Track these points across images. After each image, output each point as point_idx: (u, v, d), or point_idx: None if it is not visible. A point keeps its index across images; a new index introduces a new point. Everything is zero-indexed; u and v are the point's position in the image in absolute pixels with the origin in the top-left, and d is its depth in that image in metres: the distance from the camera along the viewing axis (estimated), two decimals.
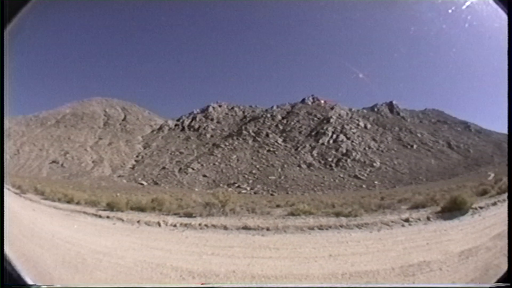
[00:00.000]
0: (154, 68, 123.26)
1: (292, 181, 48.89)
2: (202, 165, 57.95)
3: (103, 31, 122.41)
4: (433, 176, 46.71)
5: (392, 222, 9.33)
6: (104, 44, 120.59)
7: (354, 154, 56.10)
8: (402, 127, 67.27)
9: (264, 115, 76.63)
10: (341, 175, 50.25)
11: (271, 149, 61.44)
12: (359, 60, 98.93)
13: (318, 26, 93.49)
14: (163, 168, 58.64)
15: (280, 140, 64.98)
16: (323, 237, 8.10)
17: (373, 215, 10.54)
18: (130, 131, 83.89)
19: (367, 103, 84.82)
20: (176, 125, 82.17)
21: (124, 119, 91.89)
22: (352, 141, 60.60)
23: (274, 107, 79.19)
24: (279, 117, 75.01)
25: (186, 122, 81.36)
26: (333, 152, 57.74)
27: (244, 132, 69.89)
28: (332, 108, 72.85)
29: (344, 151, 57.54)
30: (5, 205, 4.02)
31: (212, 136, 73.23)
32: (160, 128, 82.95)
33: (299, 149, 60.34)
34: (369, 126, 67.97)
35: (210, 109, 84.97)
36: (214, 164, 57.90)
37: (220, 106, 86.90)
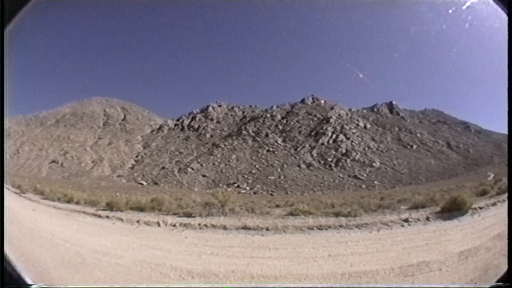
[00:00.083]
0: (154, 68, 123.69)
1: (292, 181, 48.93)
2: (201, 165, 57.98)
3: (103, 31, 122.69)
4: (433, 176, 46.77)
5: (391, 222, 9.33)
6: (104, 44, 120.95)
7: (353, 154, 56.15)
8: (402, 127, 67.34)
9: (263, 115, 76.71)
10: (341, 175, 50.30)
11: (271, 149, 61.47)
12: (359, 60, 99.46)
13: (318, 26, 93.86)
14: (163, 168, 58.68)
15: (279, 140, 65.03)
16: (322, 237, 8.10)
17: (373, 215, 10.54)
18: (130, 131, 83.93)
19: (367, 103, 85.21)
20: (175, 125, 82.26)
21: (124, 119, 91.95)
22: (352, 141, 60.65)
23: (274, 107, 79.31)
24: (279, 117, 75.09)
25: (186, 122, 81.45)
26: (333, 152, 57.79)
27: (244, 132, 69.94)
28: (332, 108, 72.95)
29: (344, 151, 57.59)
30: (5, 205, 4.02)
31: (211, 136, 73.29)
32: (160, 128, 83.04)
33: (298, 149, 60.39)
34: (368, 126, 68.05)
35: (210, 109, 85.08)
36: (213, 164, 57.93)
37: (220, 106, 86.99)
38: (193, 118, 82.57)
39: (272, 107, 79.69)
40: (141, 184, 51.14)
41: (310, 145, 60.95)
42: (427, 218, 9.59)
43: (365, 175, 49.91)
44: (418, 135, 63.49)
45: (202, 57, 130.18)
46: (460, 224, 8.89)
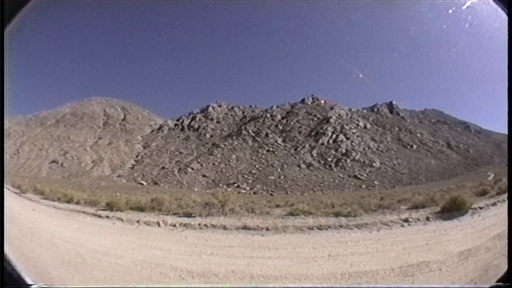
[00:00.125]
0: (154, 68, 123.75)
1: (292, 181, 48.93)
2: (201, 165, 57.98)
3: (103, 31, 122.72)
4: (433, 176, 46.78)
5: (391, 222, 9.33)
6: (104, 44, 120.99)
7: (353, 154, 56.15)
8: (402, 127, 67.35)
9: (263, 115, 76.72)
10: (341, 175, 50.31)
11: (271, 149, 61.47)
12: (359, 60, 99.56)
13: (318, 26, 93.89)
14: (163, 168, 58.69)
15: (279, 140, 65.04)
16: (322, 237, 8.10)
17: (373, 215, 10.54)
18: (130, 131, 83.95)
19: (367, 103, 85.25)
20: (175, 125, 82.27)
21: (123, 119, 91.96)
22: (352, 141, 60.66)
23: (274, 107, 79.32)
24: (279, 117, 75.11)
25: (186, 122, 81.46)
26: (333, 152, 57.80)
27: (244, 132, 69.95)
28: (332, 108, 72.96)
29: (344, 151, 57.60)
30: (5, 205, 4.01)
31: (211, 136, 73.30)
32: (160, 128, 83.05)
33: (298, 149, 60.40)
34: (368, 126, 68.05)
35: (210, 109, 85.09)
36: (213, 164, 57.93)
37: (220, 106, 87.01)
38: (193, 118, 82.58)
39: (272, 107, 79.72)
40: (141, 184, 51.15)
41: (310, 145, 60.95)
42: (427, 218, 9.59)
43: (365, 175, 49.91)
44: (418, 135, 63.50)
45: (202, 57, 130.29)
46: (460, 224, 8.89)
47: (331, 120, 68.06)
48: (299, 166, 54.32)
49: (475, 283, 4.93)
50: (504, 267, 3.57)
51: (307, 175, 50.89)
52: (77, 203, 14.93)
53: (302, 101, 79.92)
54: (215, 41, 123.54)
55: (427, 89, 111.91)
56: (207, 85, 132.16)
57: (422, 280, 5.12)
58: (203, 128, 77.19)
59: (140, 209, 12.33)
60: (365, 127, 67.40)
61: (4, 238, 3.61)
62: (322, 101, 76.74)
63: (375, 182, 46.76)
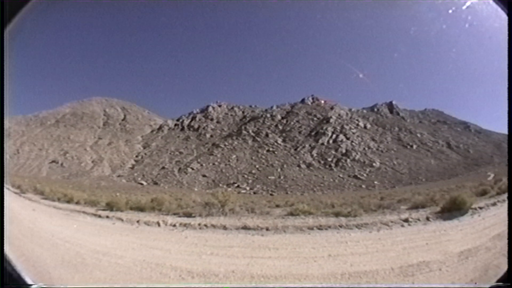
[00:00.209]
0: (154, 68, 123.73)
1: (292, 181, 48.93)
2: (201, 165, 57.99)
3: (103, 31, 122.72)
4: (433, 176, 46.78)
5: (391, 222, 9.33)
6: (104, 44, 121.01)
7: (353, 154, 56.15)
8: (402, 127, 67.35)
9: (263, 115, 76.72)
10: (341, 175, 50.31)
11: (271, 149, 61.48)
12: (359, 60, 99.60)
13: (318, 26, 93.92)
14: (163, 168, 58.68)
15: (279, 140, 65.04)
16: (322, 237, 8.10)
17: (373, 215, 10.54)
18: (130, 131, 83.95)
19: (367, 103, 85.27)
20: (175, 125, 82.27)
21: (123, 119, 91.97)
22: (352, 141, 60.66)
23: (274, 107, 79.33)
24: (279, 117, 75.11)
25: (186, 122, 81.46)
26: (333, 152, 57.80)
27: (244, 132, 69.95)
28: (332, 108, 72.96)
29: (344, 151, 57.60)
30: (5, 205, 4.02)
31: (211, 136, 73.30)
32: (160, 128, 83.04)
33: (298, 149, 60.40)
34: (368, 126, 68.06)
35: (210, 109, 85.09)
36: (213, 164, 57.93)
37: (220, 106, 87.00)
38: (193, 118, 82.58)
39: (272, 107, 79.73)
40: (141, 184, 51.15)
41: (310, 145, 60.95)
42: (427, 218, 9.59)
43: (365, 175, 49.91)
44: (418, 135, 63.50)
45: (202, 57, 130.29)
46: (460, 224, 8.89)
47: (331, 120, 68.06)
48: (299, 166, 54.33)
49: (475, 283, 4.93)
50: (504, 267, 3.57)
51: (307, 175, 50.89)
52: (77, 203, 14.93)
53: (302, 101, 79.93)
54: (215, 41, 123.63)
55: (427, 89, 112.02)
56: (207, 85, 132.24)
57: (422, 280, 5.12)
58: (203, 128, 77.19)
59: (140, 209, 12.33)
60: (365, 127, 67.41)
61: (4, 238, 3.61)
62: (322, 101, 76.76)
63: (375, 182, 46.76)
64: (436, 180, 44.24)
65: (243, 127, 72.41)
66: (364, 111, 76.60)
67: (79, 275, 5.44)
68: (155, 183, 51.80)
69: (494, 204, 10.92)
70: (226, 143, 66.24)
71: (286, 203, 15.58)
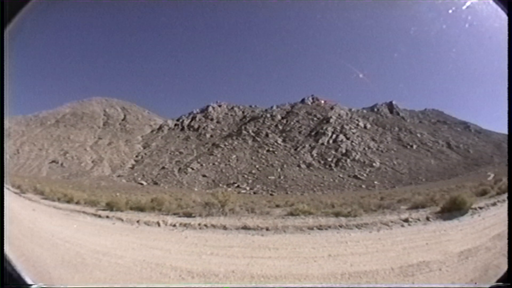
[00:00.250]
0: (154, 68, 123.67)
1: (292, 181, 48.93)
2: (201, 165, 57.98)
3: (103, 31, 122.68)
4: (433, 176, 46.78)
5: (391, 222, 9.33)
6: (104, 44, 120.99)
7: (353, 154, 56.14)
8: (402, 127, 67.35)
9: (263, 115, 76.72)
10: (341, 175, 50.30)
11: (271, 149, 61.47)
12: (359, 60, 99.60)
13: (318, 26, 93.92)
14: (163, 168, 58.68)
15: (279, 140, 65.04)
16: (322, 237, 8.10)
17: (373, 215, 10.54)
18: (130, 131, 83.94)
19: (367, 103, 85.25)
20: (175, 125, 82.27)
21: (124, 119, 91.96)
22: (352, 141, 60.66)
23: (274, 107, 79.32)
24: (279, 117, 75.10)
25: (186, 122, 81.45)
26: (333, 152, 57.80)
27: (244, 132, 69.95)
28: (332, 108, 72.95)
29: (344, 151, 57.59)
30: (5, 205, 4.01)
31: (211, 136, 73.29)
32: (160, 128, 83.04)
33: (298, 149, 60.39)
34: (368, 126, 68.05)
35: (210, 109, 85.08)
36: (213, 164, 57.93)
37: (220, 106, 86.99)
38: (193, 118, 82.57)
39: (272, 107, 79.72)
40: (141, 184, 51.15)
41: (310, 145, 60.95)
42: (427, 218, 9.59)
43: (365, 175, 49.91)
44: (418, 135, 63.50)
45: (202, 57, 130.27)
46: (460, 224, 8.89)
47: (331, 120, 68.06)
48: (299, 166, 54.33)
49: (475, 283, 4.93)
50: (504, 267, 3.57)
51: (307, 175, 50.89)
52: (77, 203, 14.93)
53: (302, 101, 79.92)
54: (215, 41, 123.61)
55: (427, 89, 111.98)
56: (207, 85, 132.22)
57: (422, 280, 5.12)
58: (203, 128, 77.19)
59: (140, 209, 12.33)
60: (365, 127, 67.41)
61: (4, 238, 3.61)
62: (322, 101, 76.75)
63: (375, 182, 46.76)
64: (436, 180, 44.23)
65: (243, 127, 72.41)
66: (364, 111, 76.59)
67: (79, 275, 5.44)
68: (155, 183, 51.80)
69: (494, 204, 10.92)
70: (226, 143, 66.24)
71: (286, 203, 15.57)
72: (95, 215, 11.82)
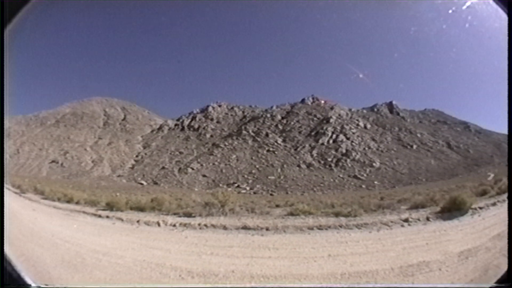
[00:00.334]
0: (154, 68, 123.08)
1: (292, 181, 48.90)
2: (201, 165, 57.96)
3: (103, 31, 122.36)
4: (433, 176, 46.74)
5: (391, 222, 9.33)
6: (104, 44, 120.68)
7: (353, 154, 56.12)
8: (402, 127, 67.31)
9: (263, 115, 76.67)
10: (341, 175, 50.27)
11: (271, 149, 61.45)
12: (359, 60, 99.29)
13: (318, 26, 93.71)
14: (163, 168, 58.65)
15: (279, 140, 65.01)
16: (322, 237, 8.10)
17: (373, 215, 10.54)
18: (130, 131, 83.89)
19: (367, 103, 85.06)
20: (176, 125, 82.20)
21: (124, 119, 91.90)
22: (352, 141, 60.62)
23: (274, 107, 79.25)
24: (279, 117, 75.05)
25: (186, 122, 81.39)
26: (333, 152, 57.76)
27: (244, 132, 69.91)
28: (332, 108, 72.91)
29: (344, 151, 57.56)
30: (5, 205, 4.02)
31: (211, 136, 73.25)
32: (160, 128, 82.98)
33: (298, 149, 60.36)
34: (369, 126, 68.02)
35: (210, 109, 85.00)
36: (213, 164, 57.90)
37: (220, 106, 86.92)
38: (193, 118, 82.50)
39: (272, 107, 79.62)
40: (141, 184, 51.11)
41: (310, 145, 60.91)
42: (427, 218, 9.60)
43: (365, 175, 49.87)
44: (418, 135, 63.46)
45: (202, 57, 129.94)
46: (460, 224, 8.90)
47: (331, 120, 68.00)
48: (299, 166, 54.30)
49: (475, 283, 4.93)
50: (504, 267, 3.57)
51: (307, 175, 50.87)
52: (77, 203, 14.94)
53: (302, 101, 79.85)
54: (215, 41, 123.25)
55: (427, 89, 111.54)
56: (207, 85, 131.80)
57: (422, 280, 5.12)
58: (203, 128, 77.12)
59: (140, 209, 12.34)
60: (365, 127, 67.37)
61: (4, 238, 3.61)
62: (322, 101, 76.67)
63: (375, 182, 46.73)
64: (436, 180, 44.20)
65: (243, 127, 72.35)
66: (364, 111, 76.52)
67: (79, 275, 5.44)
68: (155, 183, 51.77)
69: (494, 204, 10.93)
70: (226, 143, 66.20)
71: (286, 203, 15.58)
72: (95, 215, 11.83)
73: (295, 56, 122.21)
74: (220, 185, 48.84)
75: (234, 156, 60.24)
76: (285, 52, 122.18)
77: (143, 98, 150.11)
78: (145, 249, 7.24)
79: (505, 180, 16.26)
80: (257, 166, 55.36)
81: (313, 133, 65.33)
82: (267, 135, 67.54)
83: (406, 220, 9.46)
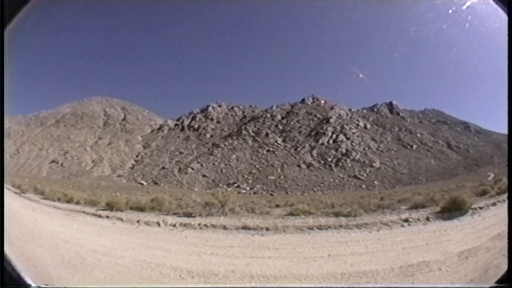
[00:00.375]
0: (154, 68, 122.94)
1: (292, 181, 48.90)
2: (201, 165, 57.95)
3: (103, 31, 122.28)
4: (433, 176, 46.73)
5: (391, 222, 9.33)
6: (104, 44, 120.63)
7: (353, 154, 56.11)
8: (402, 127, 67.30)
9: (263, 115, 76.67)
10: (341, 175, 50.27)
11: (271, 149, 61.45)
12: (359, 60, 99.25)
13: (318, 26, 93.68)
14: (163, 168, 58.64)
15: (279, 140, 65.00)
16: (322, 237, 8.10)
17: (373, 215, 10.54)
18: (130, 131, 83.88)
19: (367, 103, 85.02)
20: (176, 125, 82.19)
21: (124, 119, 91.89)
22: (352, 141, 60.62)
23: (274, 107, 79.24)
24: (279, 117, 75.04)
25: (186, 122, 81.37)
26: (333, 152, 57.76)
27: (244, 132, 69.91)
28: (332, 108, 72.90)
29: (344, 151, 57.56)
30: (5, 205, 4.02)
31: (211, 136, 73.23)
32: (160, 128, 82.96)
33: (298, 149, 60.36)
34: (369, 126, 68.01)
35: (210, 109, 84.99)
36: (213, 164, 57.90)
37: (220, 106, 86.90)
38: (193, 118, 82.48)
39: (272, 107, 79.60)
40: (141, 184, 51.10)
41: (310, 145, 60.91)
42: (427, 218, 9.60)
43: (365, 175, 49.87)
44: (418, 135, 63.45)
45: (202, 57, 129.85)
46: (460, 224, 8.90)
47: (331, 120, 68.00)
48: (299, 166, 54.29)
49: (475, 283, 4.93)
50: (504, 267, 3.57)
51: (307, 175, 50.86)
52: (77, 203, 14.94)
53: (302, 101, 79.84)
54: (215, 41, 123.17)
55: (427, 89, 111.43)
56: (207, 85, 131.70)
57: (422, 280, 5.12)
58: (203, 128, 77.11)
59: (140, 209, 12.34)
60: (365, 127, 67.36)
61: (4, 238, 3.61)
62: (322, 101, 76.66)
63: (375, 182, 46.73)
64: (436, 180, 44.19)
65: (243, 127, 72.35)
66: (364, 111, 76.51)
67: (79, 275, 5.44)
68: (155, 183, 51.77)
69: (494, 204, 10.93)
70: (226, 143, 66.19)
71: (286, 203, 15.58)
72: (95, 215, 11.83)
73: (295, 56, 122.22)
74: (220, 185, 48.83)
75: (234, 156, 60.24)
76: (285, 52, 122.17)
77: (143, 98, 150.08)
78: (145, 249, 7.24)
79: (505, 180, 16.26)
80: (257, 166, 55.36)
81: (313, 133, 65.32)
82: (267, 135, 67.54)
83: (406, 220, 9.46)
